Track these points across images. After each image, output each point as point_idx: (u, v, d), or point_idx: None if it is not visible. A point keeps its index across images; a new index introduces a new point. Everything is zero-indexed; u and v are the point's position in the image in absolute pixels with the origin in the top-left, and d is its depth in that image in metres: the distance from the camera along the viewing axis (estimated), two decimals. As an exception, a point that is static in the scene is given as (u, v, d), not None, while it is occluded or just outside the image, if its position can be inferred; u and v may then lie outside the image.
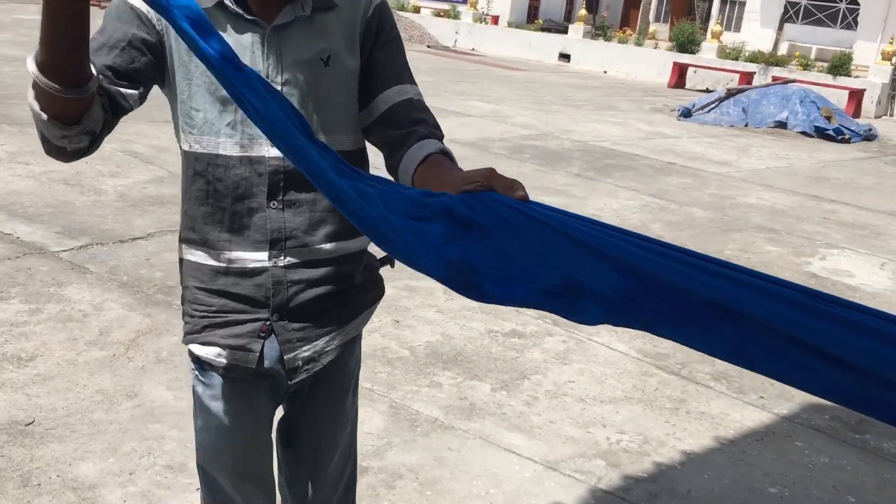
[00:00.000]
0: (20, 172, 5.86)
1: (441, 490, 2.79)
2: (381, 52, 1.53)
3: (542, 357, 3.90)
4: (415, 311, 4.26)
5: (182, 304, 1.59)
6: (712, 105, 13.42)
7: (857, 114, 15.53)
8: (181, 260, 1.57)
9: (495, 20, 25.45)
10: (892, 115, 17.04)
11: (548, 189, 7.08)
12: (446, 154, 1.40)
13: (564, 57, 21.57)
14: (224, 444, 1.61)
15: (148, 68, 1.41)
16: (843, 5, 28.00)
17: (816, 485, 3.08)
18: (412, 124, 1.48)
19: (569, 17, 31.65)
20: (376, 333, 3.92)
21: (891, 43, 17.54)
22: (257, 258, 1.49)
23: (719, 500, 2.92)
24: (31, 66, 1.20)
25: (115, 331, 3.65)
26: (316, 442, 1.71)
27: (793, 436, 3.43)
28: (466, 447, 3.07)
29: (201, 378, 1.57)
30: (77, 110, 1.24)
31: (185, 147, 1.49)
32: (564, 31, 23.54)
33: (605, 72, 20.46)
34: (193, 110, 1.45)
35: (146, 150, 6.85)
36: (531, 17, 29.71)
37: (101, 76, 1.30)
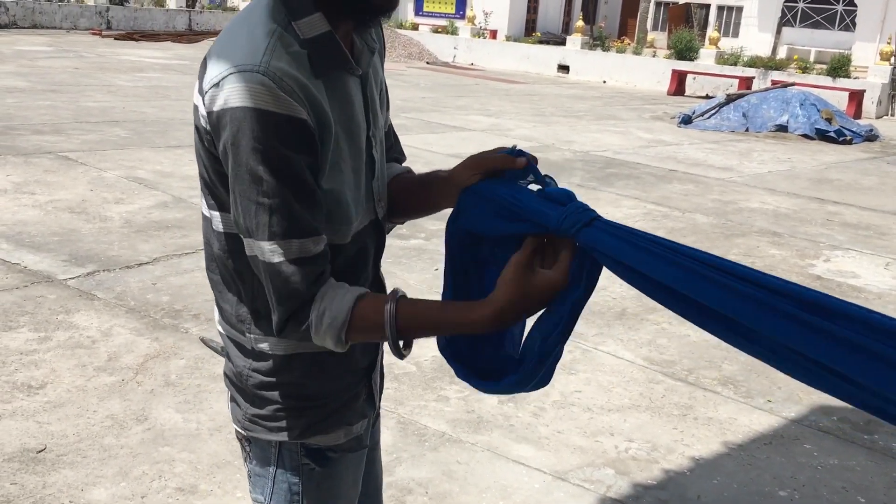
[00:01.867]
0: (26, 202, 5.91)
1: (451, 504, 2.80)
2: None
3: (548, 368, 3.91)
4: (420, 327, 4.27)
5: (289, 398, 1.37)
6: (712, 111, 13.45)
7: (857, 115, 15.54)
8: (289, 356, 1.34)
9: (493, 34, 25.56)
10: (892, 115, 17.05)
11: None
12: (410, 172, 1.49)
13: (563, 68, 21.65)
14: None
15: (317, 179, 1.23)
16: (840, 7, 28.07)
17: (826, 486, 3.08)
18: (397, 152, 1.54)
19: (566, 28, 31.79)
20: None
21: (889, 43, 17.58)
22: None
23: (729, 505, 2.93)
24: (391, 337, 1.20)
25: (123, 356, 3.68)
26: (377, 473, 1.66)
27: (801, 438, 3.44)
28: (475, 460, 3.08)
29: (318, 470, 1.41)
30: None
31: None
32: (562, 42, 23.64)
33: (605, 82, 20.53)
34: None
35: (150, 176, 6.91)
36: (529, 30, 29.84)
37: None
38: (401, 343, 1.21)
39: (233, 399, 1.41)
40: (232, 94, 1.13)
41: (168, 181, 6.77)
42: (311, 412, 1.37)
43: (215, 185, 1.23)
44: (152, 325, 4.04)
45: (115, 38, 21.03)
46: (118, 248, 5.08)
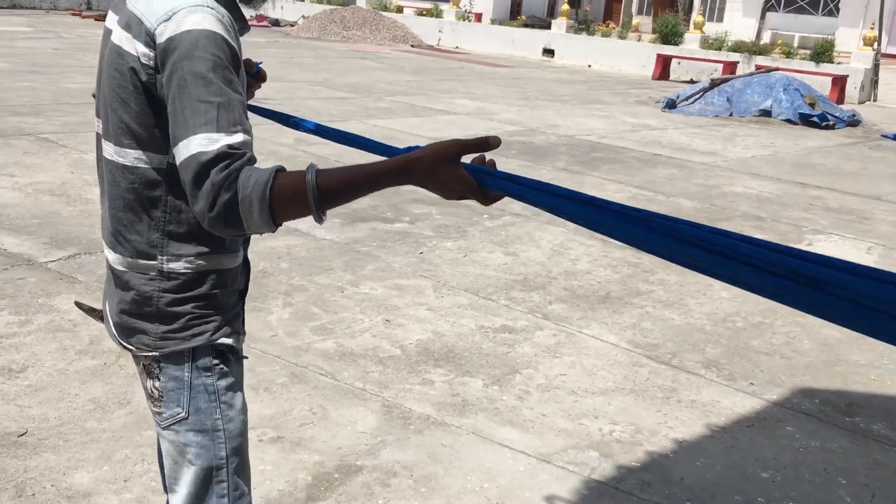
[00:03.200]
0: (5, 185, 5.84)
1: (436, 486, 2.80)
2: None
3: (532, 351, 3.92)
4: (405, 310, 4.27)
5: (201, 308, 1.57)
6: (697, 96, 13.47)
7: (840, 100, 15.61)
8: (203, 272, 1.55)
9: (478, 17, 25.47)
10: (875, 101, 17.13)
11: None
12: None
13: (548, 52, 21.60)
14: (243, 422, 1.66)
15: None
16: (824, -8, 28.12)
17: (808, 468, 3.11)
18: None
19: (552, 12, 31.71)
20: (367, 333, 3.94)
21: (872, 28, 17.64)
22: (241, 254, 1.65)
23: (712, 487, 2.95)
24: (313, 202, 1.30)
25: (105, 339, 3.65)
26: None
27: (783, 421, 3.46)
28: (460, 443, 3.08)
29: (225, 369, 1.61)
30: None
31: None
32: (548, 26, 23.56)
33: (590, 66, 20.50)
34: None
35: (132, 158, 6.83)
36: (514, 14, 29.74)
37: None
38: (315, 196, 1.30)
39: (136, 330, 1.56)
40: (184, 22, 1.36)
41: (150, 164, 6.70)
42: (217, 318, 1.57)
43: (138, 123, 1.45)
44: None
45: (96, 19, 20.79)
46: (99, 231, 5.02)
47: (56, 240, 4.84)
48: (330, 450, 2.96)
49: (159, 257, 1.52)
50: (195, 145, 1.31)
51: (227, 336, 1.61)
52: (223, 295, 1.59)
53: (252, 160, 1.34)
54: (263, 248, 4.90)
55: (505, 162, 8.01)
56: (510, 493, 2.80)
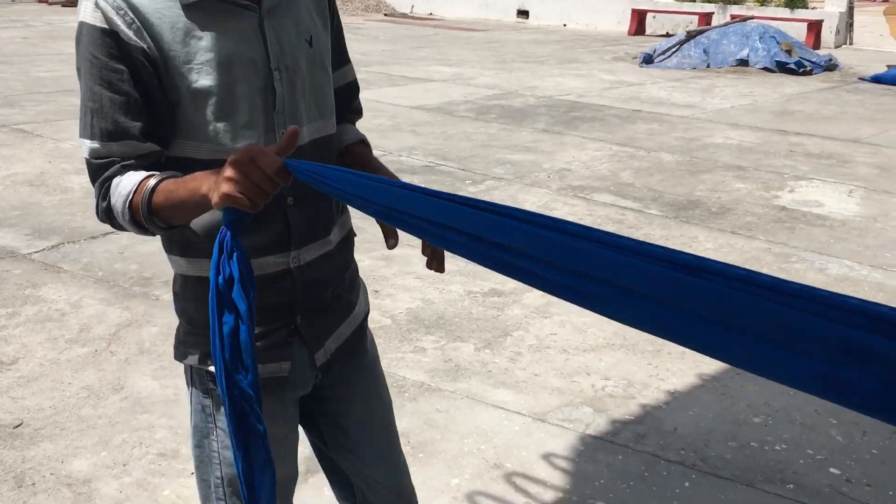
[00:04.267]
0: (-17, 178, 5.78)
1: (433, 451, 2.83)
2: (336, 26, 1.55)
3: (522, 313, 3.94)
4: (393, 280, 4.28)
5: (187, 323, 1.49)
6: (673, 49, 13.42)
7: (816, 45, 15.58)
8: (183, 277, 1.46)
9: (450, -18, 25.15)
10: (851, 44, 17.12)
11: (516, 147, 7.08)
12: (365, 143, 1.59)
13: (523, 14, 21.42)
14: None
15: (151, 96, 1.30)
16: (795, -62, 27.95)
17: (798, 411, 3.15)
18: (349, 111, 1.63)
19: (524, -28, 31.35)
20: (357, 305, 3.94)
21: (845, -29, 17.55)
22: (277, 262, 1.42)
23: (705, 435, 2.99)
24: (145, 211, 1.26)
25: (95, 326, 3.65)
26: (377, 432, 1.69)
27: (773, 366, 3.50)
28: (455, 407, 3.11)
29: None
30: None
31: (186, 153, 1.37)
32: (521, -13, 23.34)
33: (565, 25, 20.37)
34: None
35: (109, 144, 6.77)
36: (486, -24, 29.38)
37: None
38: (145, 212, 1.26)
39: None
40: (78, 10, 1.30)
41: (128, 148, 6.64)
42: (205, 340, 1.36)
43: None
44: (122, 294, 4.00)
45: (63, 6, 20.42)
46: (82, 219, 5.00)
47: (38, 230, 4.80)
48: (326, 422, 2.98)
49: (168, 255, 1.47)
50: (83, 150, 1.33)
51: None
52: (205, 312, 1.38)
53: (126, 166, 1.30)
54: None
55: (485, 126, 7.99)
56: (507, 454, 2.83)
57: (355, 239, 1.66)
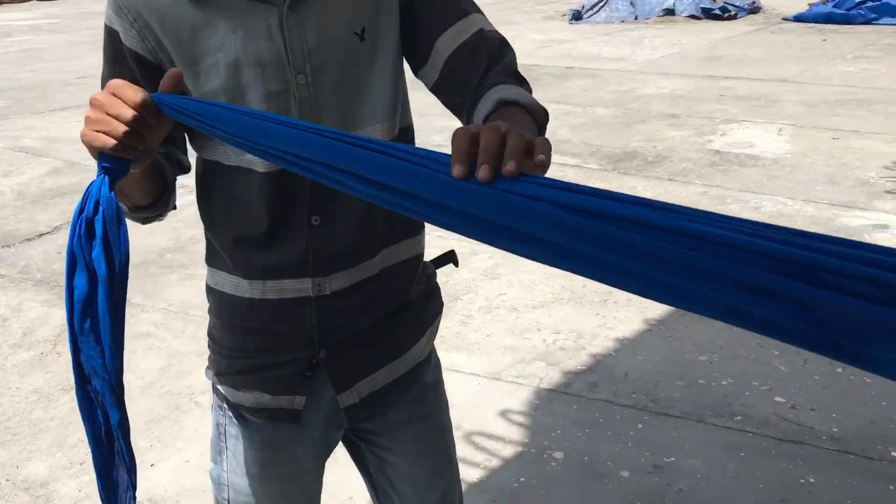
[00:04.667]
0: None
1: (392, 419, 2.86)
2: None
3: (471, 276, 3.98)
4: (339, 255, 4.27)
5: (208, 335, 1.41)
6: (601, 4, 13.49)
7: (740, -11, 15.79)
8: (206, 286, 1.38)
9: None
10: (773, -14, 17.37)
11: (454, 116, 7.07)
12: (515, 103, 1.11)
13: (450, -21, 21.29)
14: (263, 493, 1.39)
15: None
16: None
17: (742, 346, 3.25)
18: (480, 76, 1.24)
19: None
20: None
21: (762, -86, 17.76)
22: (296, 287, 1.26)
23: (654, 377, 3.07)
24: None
25: (38, 329, 3.58)
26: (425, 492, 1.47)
27: (716, 305, 3.60)
28: (410, 374, 3.14)
29: (234, 420, 1.38)
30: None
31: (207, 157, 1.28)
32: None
33: (493, -13, 20.31)
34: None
35: (37, 144, 6.60)
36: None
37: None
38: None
39: None
40: None
41: (57, 146, 6.47)
42: (221, 359, 1.35)
43: None
44: (63, 294, 3.92)
45: (11, 2, 19.70)
46: (15, 222, 4.88)
47: (-30, 237, 4.68)
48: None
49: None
50: None
51: (237, 388, 1.34)
52: (222, 329, 1.34)
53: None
54: (187, 215, 4.82)
55: (422, 98, 7.94)
56: (465, 414, 2.87)
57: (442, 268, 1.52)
